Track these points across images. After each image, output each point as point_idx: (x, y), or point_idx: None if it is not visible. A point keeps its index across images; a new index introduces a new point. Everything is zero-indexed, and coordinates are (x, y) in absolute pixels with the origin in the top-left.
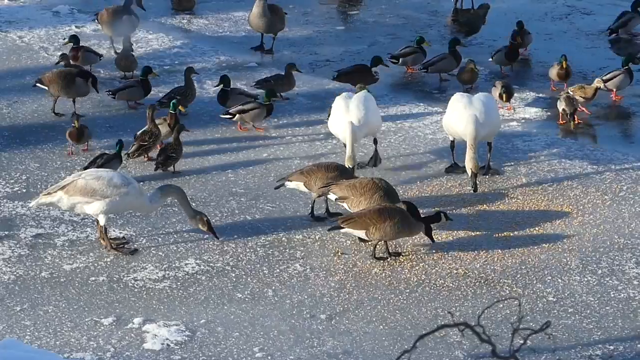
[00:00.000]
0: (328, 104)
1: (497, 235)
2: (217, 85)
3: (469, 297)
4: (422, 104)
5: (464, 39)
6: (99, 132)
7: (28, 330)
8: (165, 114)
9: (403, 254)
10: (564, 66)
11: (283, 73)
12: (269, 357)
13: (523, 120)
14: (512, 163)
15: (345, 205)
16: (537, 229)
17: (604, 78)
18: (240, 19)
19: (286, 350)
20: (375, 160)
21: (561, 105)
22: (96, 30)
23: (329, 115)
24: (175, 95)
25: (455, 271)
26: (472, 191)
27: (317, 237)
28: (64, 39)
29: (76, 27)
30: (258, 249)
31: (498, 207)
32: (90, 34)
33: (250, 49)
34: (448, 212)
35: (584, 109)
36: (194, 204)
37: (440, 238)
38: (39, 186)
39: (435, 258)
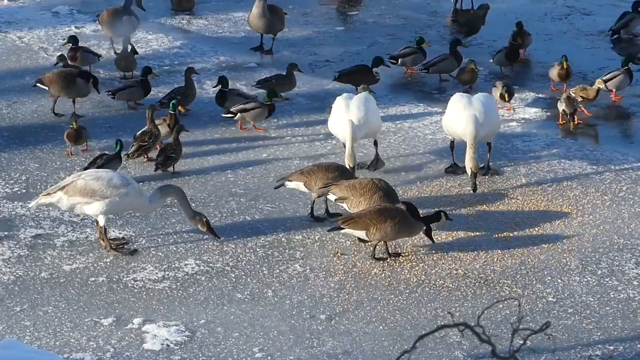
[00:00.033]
0: (328, 104)
1: (496, 235)
2: (215, 86)
3: (469, 298)
4: (421, 104)
5: (463, 39)
6: (99, 133)
7: (28, 330)
8: (165, 114)
9: (403, 254)
10: (565, 66)
11: (284, 73)
12: (269, 358)
13: (523, 121)
14: (512, 163)
15: (345, 205)
16: (536, 229)
17: (604, 78)
18: (239, 20)
19: (286, 350)
20: (376, 163)
21: (561, 106)
22: (96, 31)
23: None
24: (176, 96)
25: (455, 272)
26: (471, 191)
27: (316, 238)
28: (64, 39)
29: (76, 27)
30: (258, 249)
31: (498, 207)
32: (90, 35)
33: (249, 49)
34: (448, 212)
35: (584, 109)
36: (193, 205)
37: (440, 238)
38: (38, 187)
39: (435, 258)
